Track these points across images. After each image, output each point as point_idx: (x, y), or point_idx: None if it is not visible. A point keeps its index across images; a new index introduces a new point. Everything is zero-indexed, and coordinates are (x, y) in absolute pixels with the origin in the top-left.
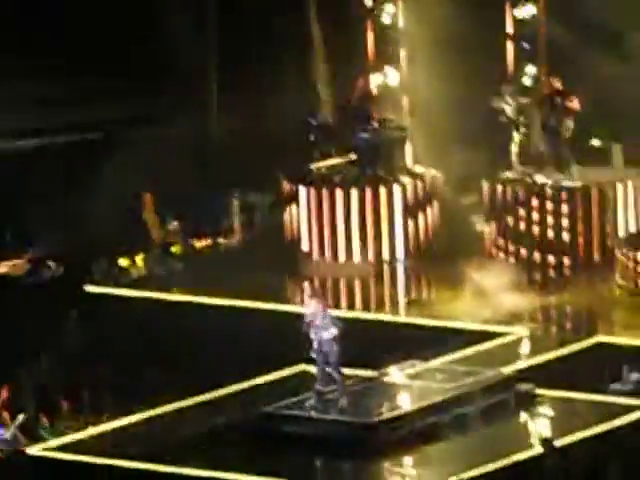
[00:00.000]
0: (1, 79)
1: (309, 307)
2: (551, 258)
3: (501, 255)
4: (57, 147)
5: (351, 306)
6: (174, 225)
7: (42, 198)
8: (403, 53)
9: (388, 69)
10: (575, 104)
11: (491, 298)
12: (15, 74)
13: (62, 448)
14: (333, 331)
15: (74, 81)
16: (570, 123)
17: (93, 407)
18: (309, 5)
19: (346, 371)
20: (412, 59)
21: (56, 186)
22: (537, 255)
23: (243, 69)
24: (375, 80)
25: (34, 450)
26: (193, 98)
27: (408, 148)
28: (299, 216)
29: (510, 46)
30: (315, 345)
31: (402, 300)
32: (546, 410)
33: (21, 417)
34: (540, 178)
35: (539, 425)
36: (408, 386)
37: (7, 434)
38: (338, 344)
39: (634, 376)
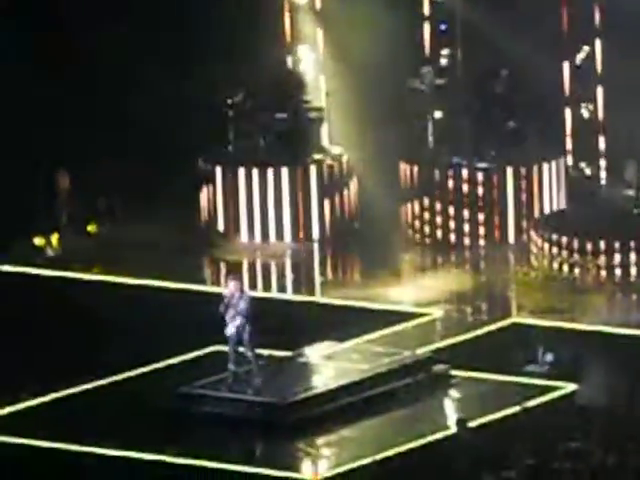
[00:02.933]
0: None
1: (226, 287)
2: (466, 239)
3: (417, 236)
4: None
5: (267, 287)
6: (102, 202)
7: None
8: (319, 34)
9: (304, 50)
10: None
11: (407, 279)
12: None
13: None
14: (246, 311)
15: None
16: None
17: (6, 388)
18: None
19: (261, 351)
20: (328, 40)
21: None
22: (452, 237)
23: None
24: (291, 61)
25: None
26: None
27: (324, 129)
28: (215, 197)
29: (427, 27)
30: (229, 325)
31: (318, 280)
32: (461, 391)
33: None
34: (456, 159)
35: (454, 406)
36: (323, 366)
37: None
38: (253, 324)
39: (548, 357)
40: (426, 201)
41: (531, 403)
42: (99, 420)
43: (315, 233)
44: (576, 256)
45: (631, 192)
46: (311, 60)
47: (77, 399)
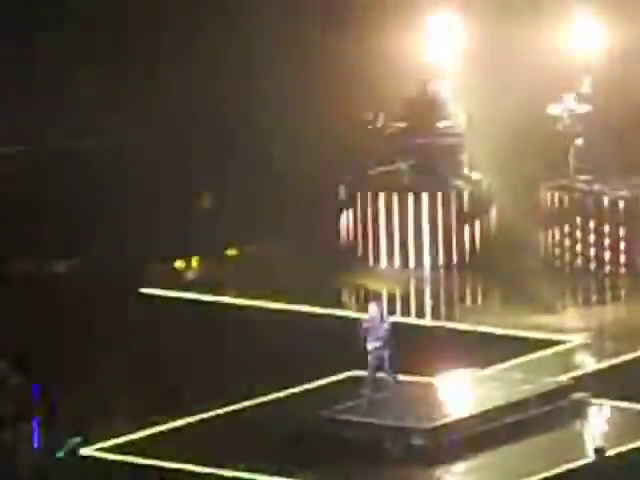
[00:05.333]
0: None
1: (366, 312)
2: (608, 268)
3: (557, 264)
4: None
5: (406, 312)
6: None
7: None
8: (461, 62)
9: (444, 76)
10: None
11: (547, 306)
12: None
13: (117, 449)
14: (386, 336)
15: None
16: None
17: (147, 409)
18: None
19: (401, 377)
20: (468, 66)
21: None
22: (593, 265)
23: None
24: (432, 87)
25: (87, 450)
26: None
27: (465, 155)
28: (355, 221)
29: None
30: (370, 350)
31: (458, 307)
32: (600, 419)
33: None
34: (597, 187)
35: (593, 434)
36: (463, 393)
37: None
38: (393, 350)
39: None
40: (566, 228)
41: None
42: (236, 444)
43: (455, 259)
44: None
45: None
46: (452, 86)
47: (213, 423)
